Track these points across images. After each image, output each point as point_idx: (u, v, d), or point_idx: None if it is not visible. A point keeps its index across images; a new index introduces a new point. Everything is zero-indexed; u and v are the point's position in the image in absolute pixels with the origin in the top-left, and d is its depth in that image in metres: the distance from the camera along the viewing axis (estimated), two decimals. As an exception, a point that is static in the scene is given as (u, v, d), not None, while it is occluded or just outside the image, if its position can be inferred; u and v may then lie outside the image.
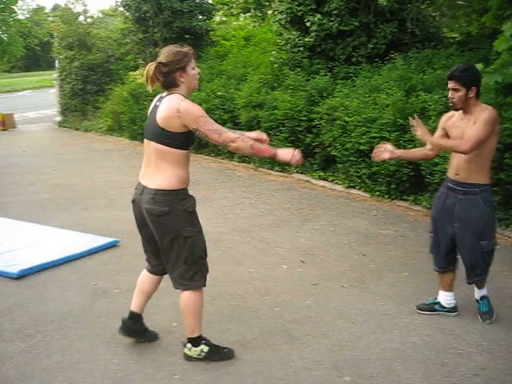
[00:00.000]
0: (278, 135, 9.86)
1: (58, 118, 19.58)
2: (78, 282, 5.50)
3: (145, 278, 4.14)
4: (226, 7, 28.82)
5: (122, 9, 15.46)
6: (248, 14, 23.20)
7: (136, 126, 14.22)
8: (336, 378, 3.71)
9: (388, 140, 7.53)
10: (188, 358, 3.92)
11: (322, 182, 9.39)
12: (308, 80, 10.16)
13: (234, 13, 27.08)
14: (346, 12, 10.17)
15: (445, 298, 4.59)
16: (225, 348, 4.00)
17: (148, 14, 14.61)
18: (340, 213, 7.80)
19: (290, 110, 9.60)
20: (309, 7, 10.33)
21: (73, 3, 18.47)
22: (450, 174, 4.37)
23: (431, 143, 4.32)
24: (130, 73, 16.99)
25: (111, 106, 15.84)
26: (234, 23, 23.81)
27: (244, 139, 3.58)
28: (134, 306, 4.16)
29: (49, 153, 13.82)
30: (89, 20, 18.33)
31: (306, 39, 10.43)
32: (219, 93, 11.31)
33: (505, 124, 6.49)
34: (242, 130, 10.31)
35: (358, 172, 8.54)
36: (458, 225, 4.29)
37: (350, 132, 8.56)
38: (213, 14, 16.02)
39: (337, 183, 9.15)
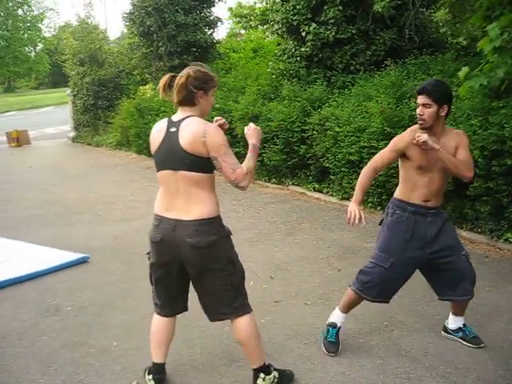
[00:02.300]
0: (272, 147, 9.61)
1: (72, 134, 19.65)
2: (35, 298, 5.35)
3: (162, 326, 3.64)
4: (244, 19, 28.94)
5: (127, 23, 15.36)
6: (266, 26, 23.08)
7: (141, 140, 14.14)
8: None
9: (376, 149, 7.23)
10: None
11: (316, 194, 9.10)
12: (305, 90, 9.90)
13: (253, 25, 27.12)
14: (343, 20, 9.89)
15: (341, 319, 4.17)
16: (286, 370, 3.75)
17: (152, 29, 14.50)
18: (327, 225, 7.50)
19: (284, 121, 9.36)
20: (304, 16, 10.09)
21: (85, 19, 18.48)
22: (415, 200, 3.85)
23: (443, 155, 3.64)
24: (140, 87, 16.97)
25: (120, 120, 15.82)
26: (252, 36, 23.61)
27: (249, 173, 3.28)
28: (160, 358, 3.68)
29: (54, 168, 13.77)
30: (100, 36, 18.28)
31: (303, 49, 10.19)
32: (217, 105, 11.10)
33: (491, 130, 6.15)
34: (239, 142, 10.16)
35: (351, 183, 8.23)
36: (430, 249, 3.87)
37: (341, 142, 8.26)
38: (218, 26, 15.82)
39: (331, 195, 8.85)
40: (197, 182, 3.25)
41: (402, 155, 3.83)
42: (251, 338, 3.50)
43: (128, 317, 4.81)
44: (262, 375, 3.55)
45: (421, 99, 3.71)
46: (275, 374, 3.59)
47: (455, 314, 4.17)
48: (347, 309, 4.14)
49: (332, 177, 8.72)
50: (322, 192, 9.08)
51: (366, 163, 4.07)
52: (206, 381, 3.72)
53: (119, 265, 6.21)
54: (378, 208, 7.85)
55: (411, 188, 3.86)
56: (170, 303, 3.58)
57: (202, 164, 3.24)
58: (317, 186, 9.18)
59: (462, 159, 3.71)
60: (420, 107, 3.72)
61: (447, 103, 3.71)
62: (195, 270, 3.35)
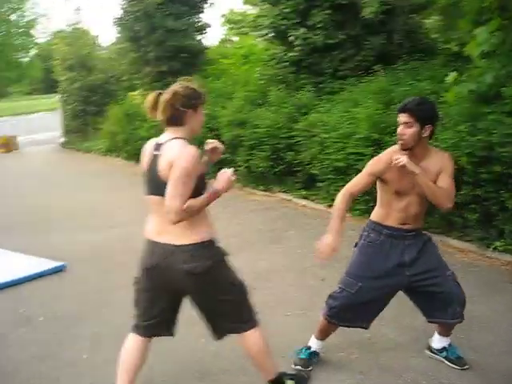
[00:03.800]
0: (259, 154, 9.46)
1: (62, 140, 19.50)
2: (7, 308, 5.21)
3: (137, 349, 3.38)
4: (236, 26, 28.82)
5: (117, 28, 15.24)
6: (261, 32, 22.99)
7: (129, 146, 13.98)
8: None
9: (363, 155, 7.10)
10: None
11: (303, 202, 8.94)
12: (293, 96, 9.76)
13: (245, 31, 26.99)
14: (332, 25, 9.77)
15: (316, 346, 3.96)
16: (299, 373, 3.68)
17: (141, 34, 14.36)
18: (313, 233, 7.31)
19: (271, 128, 9.21)
20: (292, 21, 9.96)
21: (74, 25, 18.37)
22: (391, 222, 3.62)
23: (421, 181, 3.39)
24: (130, 93, 16.81)
25: (108, 126, 15.68)
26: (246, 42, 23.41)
27: (185, 211, 2.96)
28: None
29: (40, 175, 13.59)
30: (90, 41, 18.17)
31: (291, 54, 10.06)
32: (204, 111, 10.94)
33: (478, 136, 6.00)
34: (226, 149, 9.98)
35: (338, 190, 8.03)
36: (409, 272, 3.63)
37: (328, 149, 8.12)
38: (207, 31, 15.71)
39: (318, 202, 8.69)
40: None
41: (379, 179, 3.61)
42: (260, 353, 3.38)
43: (100, 329, 4.63)
44: None
45: (402, 117, 3.43)
46: (291, 382, 3.49)
47: (441, 334, 3.94)
48: (321, 335, 3.92)
49: (319, 184, 8.57)
50: (308, 199, 8.93)
51: (353, 170, 3.84)
52: (175, 397, 3.55)
53: (96, 274, 6.04)
54: (366, 215, 7.67)
55: (387, 211, 3.63)
56: (155, 325, 3.36)
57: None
58: (304, 193, 9.03)
59: (442, 186, 3.47)
60: (401, 126, 3.43)
61: (431, 124, 3.45)
62: (194, 295, 3.25)
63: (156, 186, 3.06)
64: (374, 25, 9.79)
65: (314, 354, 3.91)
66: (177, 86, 3.12)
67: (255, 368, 3.49)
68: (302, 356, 3.87)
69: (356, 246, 3.86)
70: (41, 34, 60.16)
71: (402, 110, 3.44)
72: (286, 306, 4.97)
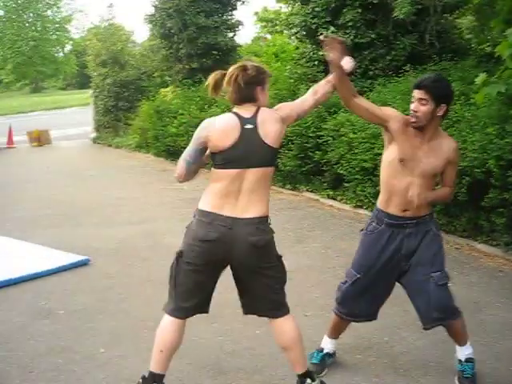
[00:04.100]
0: (287, 153, 9.42)
1: (93, 135, 19.65)
2: (29, 300, 5.24)
3: (176, 331, 3.34)
4: (270, 24, 28.76)
5: (148, 25, 15.32)
6: (292, 30, 22.92)
7: (159, 142, 14.04)
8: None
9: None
10: None
11: (330, 202, 8.88)
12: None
13: (278, 29, 26.95)
14: (362, 24, 9.69)
15: (329, 345, 3.89)
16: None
17: (172, 31, 14.42)
18: (338, 234, 7.28)
19: (299, 127, 9.14)
20: (323, 20, 9.91)
21: (108, 20, 18.52)
22: (393, 209, 3.49)
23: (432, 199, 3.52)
24: (161, 90, 16.89)
25: (139, 122, 15.77)
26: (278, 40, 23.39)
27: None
28: (163, 368, 3.36)
29: (70, 169, 13.71)
30: (123, 37, 18.29)
31: (321, 53, 9.97)
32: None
33: (507, 139, 5.89)
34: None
35: (364, 191, 8.01)
36: (406, 263, 3.54)
37: (356, 149, 8.05)
38: (239, 29, 15.71)
39: (345, 203, 8.62)
40: (264, 178, 3.20)
41: (386, 129, 3.47)
42: (300, 339, 3.37)
43: (119, 323, 4.66)
44: (308, 381, 3.39)
45: (417, 94, 3.34)
46: (318, 382, 3.45)
47: (455, 342, 3.73)
48: (332, 332, 3.87)
49: (346, 184, 8.51)
50: (335, 199, 8.86)
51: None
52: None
53: (120, 268, 6.07)
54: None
55: (389, 196, 3.52)
56: (199, 304, 3.35)
57: (275, 156, 3.29)
58: (331, 193, 8.96)
59: (448, 180, 3.46)
60: (415, 103, 3.35)
61: (446, 103, 3.35)
62: (249, 269, 3.24)
63: (254, 157, 3.15)
64: (406, 25, 9.68)
65: (328, 355, 3.85)
66: (242, 64, 3.23)
67: (288, 358, 3.44)
68: (314, 361, 3.79)
69: (361, 231, 3.77)
70: (77, 30, 60.59)
71: (418, 87, 3.36)
72: (306, 307, 4.92)
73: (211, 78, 3.27)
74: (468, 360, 3.63)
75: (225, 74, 3.22)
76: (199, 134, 3.22)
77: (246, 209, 3.16)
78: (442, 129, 3.67)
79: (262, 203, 3.21)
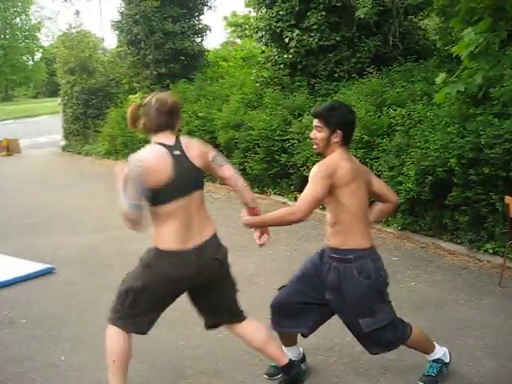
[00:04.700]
0: (254, 156, 9.44)
1: (62, 143, 19.47)
2: (-9, 310, 5.14)
3: (128, 344, 3.28)
4: (239, 28, 28.84)
5: (116, 32, 15.26)
6: (258, 34, 23.03)
7: (128, 149, 13.95)
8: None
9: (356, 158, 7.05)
10: None
11: (298, 204, 8.88)
12: (288, 98, 9.74)
13: (248, 34, 27.02)
14: (327, 26, 9.76)
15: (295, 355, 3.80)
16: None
17: (139, 37, 14.38)
18: (304, 236, 7.30)
19: (265, 130, 9.18)
20: (288, 23, 9.94)
21: (75, 28, 18.37)
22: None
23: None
24: (130, 96, 16.80)
25: (108, 129, 15.69)
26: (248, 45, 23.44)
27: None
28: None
29: (39, 178, 13.57)
30: (91, 44, 18.15)
31: (286, 56, 10.03)
32: (200, 114, 10.94)
33: (468, 137, 5.96)
34: (221, 151, 9.97)
35: (331, 193, 8.03)
36: (330, 297, 3.43)
37: (321, 151, 8.08)
38: (206, 34, 15.71)
39: (312, 205, 8.63)
40: (202, 198, 3.26)
41: None
42: (269, 337, 3.51)
43: (81, 331, 4.62)
44: (294, 370, 3.58)
45: (314, 122, 3.44)
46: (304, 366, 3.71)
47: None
48: (284, 342, 3.78)
49: (313, 186, 8.53)
50: (303, 202, 8.87)
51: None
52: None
53: (83, 276, 6.02)
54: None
55: None
56: (153, 320, 3.32)
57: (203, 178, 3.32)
58: (298, 195, 8.92)
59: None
60: (313, 130, 3.45)
61: (342, 129, 3.36)
62: (214, 283, 3.33)
63: (189, 181, 3.17)
64: (370, 26, 9.77)
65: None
66: (154, 95, 3.28)
67: (268, 356, 3.52)
68: (272, 364, 3.73)
69: None
70: (46, 38, 60.09)
71: (313, 115, 3.49)
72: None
73: (129, 111, 3.28)
74: (435, 360, 3.67)
75: (140, 105, 3.24)
76: (136, 173, 3.01)
77: (202, 231, 3.20)
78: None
79: (209, 220, 3.30)
